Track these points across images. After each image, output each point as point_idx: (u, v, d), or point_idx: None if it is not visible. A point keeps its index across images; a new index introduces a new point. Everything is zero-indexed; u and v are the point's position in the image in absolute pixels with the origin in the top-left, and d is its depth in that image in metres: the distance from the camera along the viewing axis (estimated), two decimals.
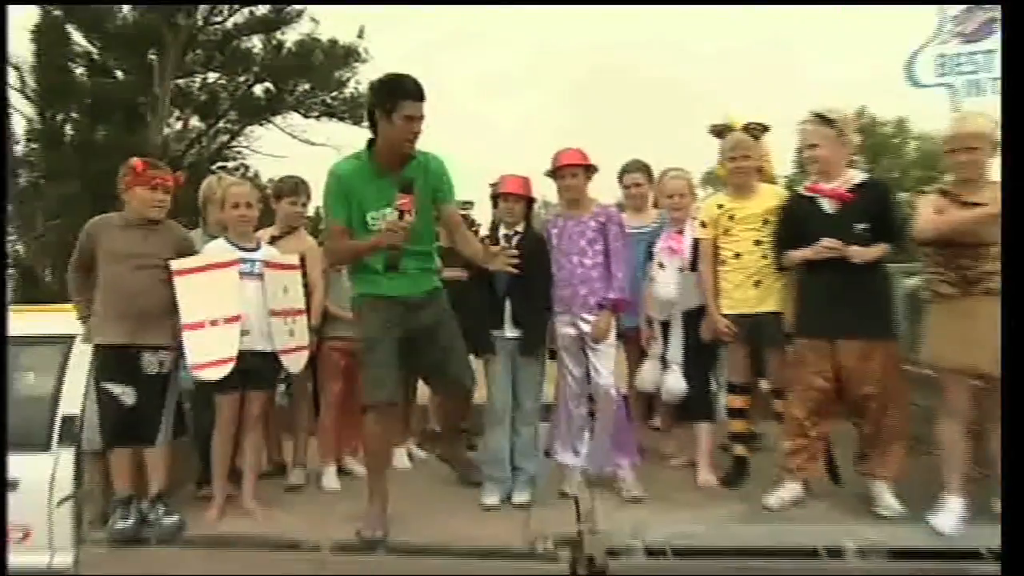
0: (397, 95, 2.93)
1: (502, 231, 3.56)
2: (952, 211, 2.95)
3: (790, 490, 3.22)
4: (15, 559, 3.08)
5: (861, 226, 3.12)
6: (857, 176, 3.21)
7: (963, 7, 4.68)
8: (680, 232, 3.65)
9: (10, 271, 18.11)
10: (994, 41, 4.68)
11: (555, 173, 3.53)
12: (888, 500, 3.06)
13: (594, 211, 3.51)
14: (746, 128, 3.56)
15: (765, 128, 3.61)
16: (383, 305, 3.12)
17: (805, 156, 3.29)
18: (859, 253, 3.05)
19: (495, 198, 3.63)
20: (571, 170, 3.48)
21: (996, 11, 4.74)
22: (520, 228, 3.53)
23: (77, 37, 17.95)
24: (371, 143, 3.09)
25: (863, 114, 23.82)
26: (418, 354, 3.21)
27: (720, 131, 3.59)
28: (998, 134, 2.96)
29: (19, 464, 3.11)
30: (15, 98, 17.50)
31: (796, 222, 3.26)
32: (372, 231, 3.04)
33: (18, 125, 17.78)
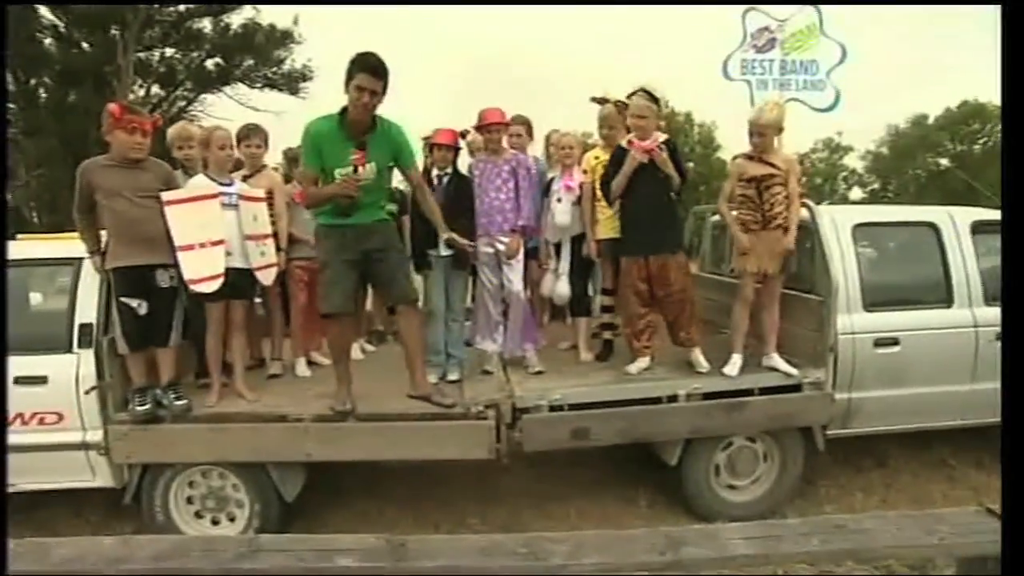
0: (355, 68, 2.64)
1: (435, 172, 3.34)
2: (748, 166, 3.17)
3: (642, 362, 3.30)
4: (54, 437, 2.90)
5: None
6: (661, 137, 3.22)
7: (758, 26, 4.81)
8: (572, 176, 3.54)
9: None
10: (774, 53, 4.93)
11: (481, 128, 3.32)
12: (701, 361, 3.23)
13: (507, 157, 3.36)
14: (614, 103, 3.46)
15: (627, 105, 3.50)
16: (337, 232, 2.86)
17: (631, 123, 3.22)
18: (660, 158, 3.11)
19: (430, 147, 3.38)
20: (496, 126, 3.29)
21: (777, 32, 4.95)
22: (449, 171, 3.34)
23: (45, 12, 15.35)
24: (344, 110, 2.76)
25: (666, 105, 24.95)
26: (373, 271, 2.96)
27: (599, 100, 3.47)
28: (784, 120, 3.20)
29: (47, 363, 2.91)
30: None
31: (618, 165, 3.23)
32: (334, 183, 2.78)
33: None
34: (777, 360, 3.18)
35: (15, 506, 3.13)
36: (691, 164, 22.12)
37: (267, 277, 3.24)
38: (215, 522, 3.01)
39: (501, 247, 3.32)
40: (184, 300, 2.98)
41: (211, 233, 2.89)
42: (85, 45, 15.69)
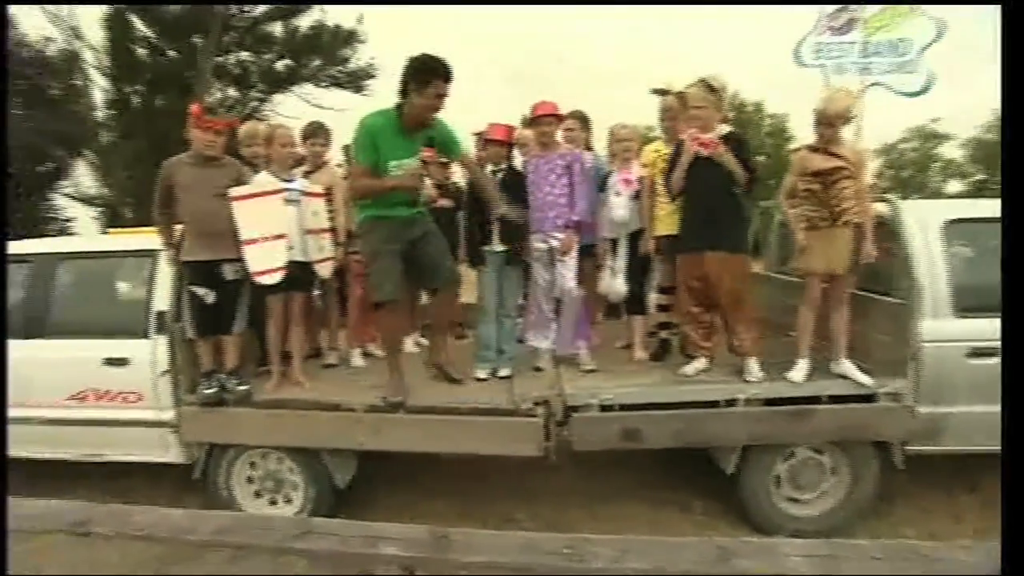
0: (433, 74, 2.72)
1: (488, 168, 3.34)
2: (814, 159, 2.95)
3: (699, 362, 3.17)
4: (134, 414, 3.15)
5: None
6: (725, 129, 3.05)
7: (835, 7, 4.49)
8: (630, 170, 3.45)
9: (98, 210, 17.29)
10: (855, 35, 4.57)
11: (532, 121, 3.29)
12: (754, 370, 3.02)
13: (561, 152, 3.30)
14: (675, 94, 3.32)
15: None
16: (383, 224, 2.93)
17: (691, 114, 3.07)
18: (717, 152, 2.93)
19: (485, 142, 3.38)
20: (546, 119, 3.24)
21: (859, 12, 4.58)
22: (503, 166, 3.33)
23: (139, 24, 16.62)
24: (399, 106, 2.82)
25: (735, 97, 23.77)
26: (418, 257, 3.03)
27: (660, 92, 3.35)
28: (853, 109, 2.97)
29: (128, 347, 3.16)
30: (94, 75, 16.46)
31: (680, 158, 3.08)
32: (392, 175, 2.84)
33: (97, 96, 16.69)
34: (847, 366, 2.96)
35: (103, 473, 3.43)
36: (761, 157, 21.09)
37: (325, 270, 3.34)
38: (273, 502, 3.14)
39: (555, 243, 3.27)
40: (247, 291, 3.11)
41: (273, 227, 3.01)
42: (172, 53, 16.82)
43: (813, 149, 2.98)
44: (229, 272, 3.00)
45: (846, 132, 3.01)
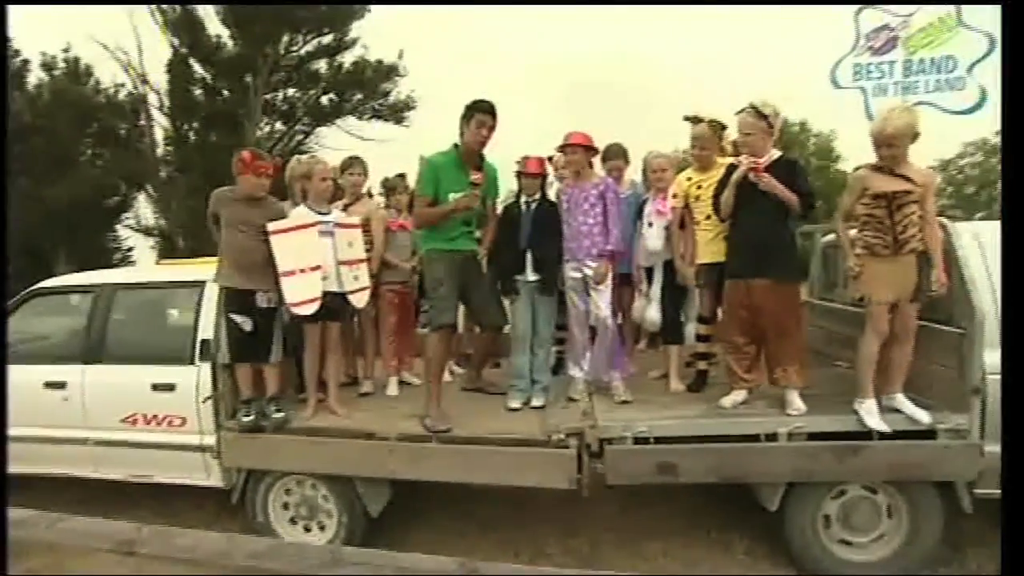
0: (475, 109, 3.07)
1: (523, 199, 3.39)
2: (876, 179, 2.76)
3: (738, 394, 3.07)
4: (180, 438, 3.27)
5: None
6: (776, 154, 2.97)
7: (875, 25, 4.38)
8: (665, 199, 3.43)
9: (156, 239, 18.33)
10: (896, 54, 4.44)
11: (563, 149, 3.34)
12: (796, 402, 2.89)
13: (595, 181, 3.31)
14: (708, 123, 3.31)
15: (723, 126, 3.35)
16: (447, 256, 3.16)
17: (739, 140, 3.03)
18: (768, 181, 2.85)
19: (519, 175, 3.45)
20: (572, 148, 3.28)
21: (900, 30, 4.46)
22: (537, 196, 3.38)
23: (197, 67, 17.84)
24: (456, 145, 3.16)
25: (786, 122, 23.39)
26: (469, 296, 3.24)
27: (692, 120, 3.33)
28: (917, 126, 2.74)
29: (174, 373, 3.28)
30: (156, 115, 17.73)
31: (727, 182, 3.03)
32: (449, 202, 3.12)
33: (159, 134, 17.95)
34: (902, 401, 2.77)
35: (148, 493, 3.55)
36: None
37: (360, 300, 3.40)
38: (307, 529, 3.17)
39: (589, 272, 3.25)
40: (285, 320, 3.21)
41: (310, 259, 3.11)
42: (226, 92, 17.88)
43: (876, 168, 2.78)
44: (263, 300, 3.10)
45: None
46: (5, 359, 3.17)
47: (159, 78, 17.42)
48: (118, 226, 19.41)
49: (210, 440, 3.20)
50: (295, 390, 3.49)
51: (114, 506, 3.50)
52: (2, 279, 3.11)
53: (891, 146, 2.70)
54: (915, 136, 2.74)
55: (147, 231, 18.78)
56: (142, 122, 17.64)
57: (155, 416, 3.29)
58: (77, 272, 3.90)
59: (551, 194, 3.50)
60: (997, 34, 4.18)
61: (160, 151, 17.96)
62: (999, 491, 2.72)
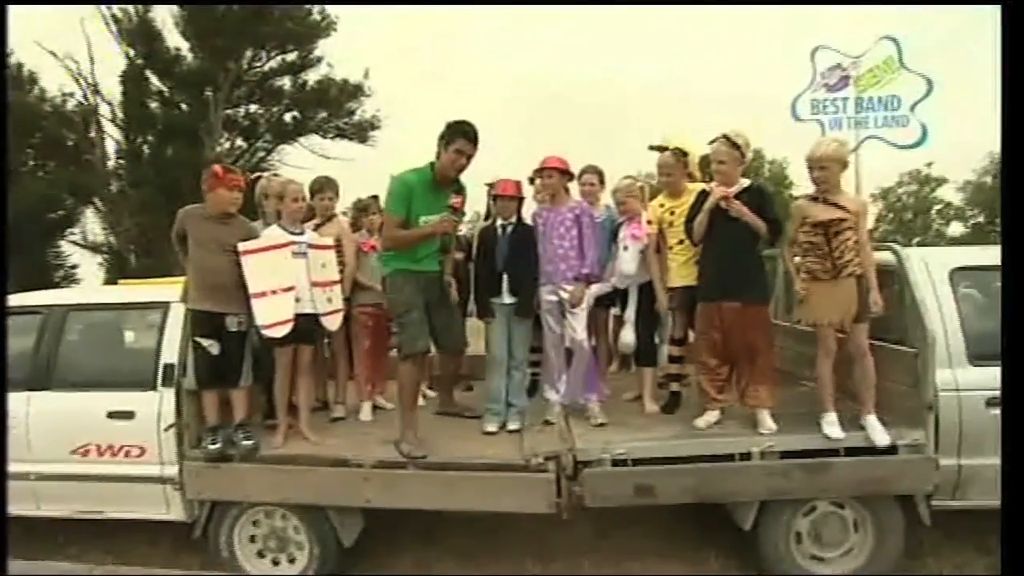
0: (455, 134, 2.99)
1: (499, 222, 3.40)
2: (813, 209, 2.96)
3: (711, 415, 3.13)
4: (138, 470, 3.08)
5: None
6: (746, 182, 3.12)
7: (829, 64, 4.69)
8: (639, 223, 3.50)
9: (104, 256, 17.49)
10: (848, 91, 4.77)
11: (539, 173, 3.38)
12: (767, 422, 2.99)
13: (571, 204, 3.36)
14: (671, 151, 3.43)
15: (684, 153, 3.45)
16: (414, 278, 3.09)
17: (713, 168, 3.15)
18: (738, 208, 2.97)
19: (494, 197, 3.45)
20: (549, 172, 3.33)
21: (851, 70, 4.80)
22: (513, 220, 3.38)
23: (153, 79, 17.34)
24: (432, 164, 3.07)
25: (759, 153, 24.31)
26: (433, 317, 3.15)
27: (658, 149, 3.45)
28: (846, 155, 3.02)
29: (133, 399, 3.11)
30: (108, 127, 17.08)
31: (700, 207, 3.14)
32: (422, 226, 3.04)
33: (110, 147, 17.28)
34: (871, 423, 2.87)
35: (99, 531, 3.34)
36: None
37: (333, 323, 3.34)
38: (275, 562, 3.05)
39: (565, 295, 3.28)
40: (255, 344, 3.12)
41: (282, 280, 3.04)
42: (184, 106, 17.40)
43: (812, 199, 2.99)
44: (232, 323, 3.01)
45: (843, 181, 3.03)
46: (5, 359, 2.96)
47: (112, 89, 16.84)
48: (62, 241, 18.43)
49: (171, 471, 3.04)
50: (263, 416, 3.38)
51: (56, 547, 3.30)
52: (2, 280, 2.92)
53: (822, 168, 2.92)
54: (844, 165, 3.02)
55: (95, 247, 17.91)
56: (92, 134, 16.94)
57: (110, 446, 3.10)
58: (18, 291, 3.65)
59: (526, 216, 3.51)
60: (935, 76, 4.59)
61: (111, 164, 17.26)
62: (954, 502, 2.90)
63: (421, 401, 3.85)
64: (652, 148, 3.52)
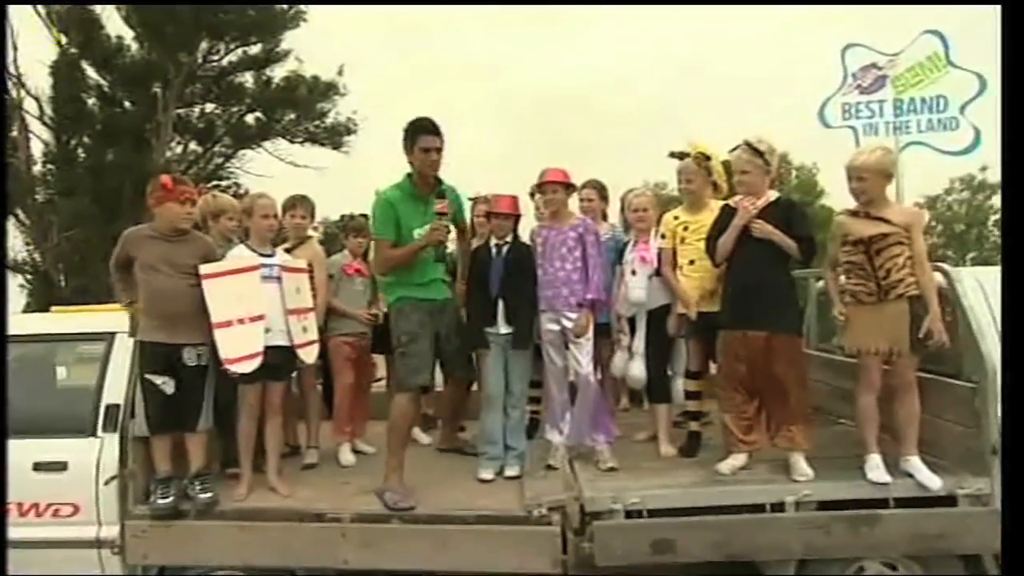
0: (415, 132, 3.12)
1: (493, 242, 3.48)
2: (853, 225, 3.03)
3: (737, 458, 3.18)
4: (66, 532, 3.02)
5: None
6: (773, 195, 3.20)
7: (862, 64, 4.83)
8: (647, 243, 3.60)
9: (28, 276, 17.31)
10: (885, 92, 4.91)
11: (540, 188, 3.46)
12: (802, 468, 3.02)
13: (573, 222, 3.45)
14: (695, 155, 3.53)
15: (707, 157, 3.54)
16: (421, 307, 3.21)
17: (736, 180, 3.25)
18: (762, 228, 3.05)
19: (487, 215, 3.55)
20: (552, 187, 3.42)
21: (888, 69, 4.94)
22: (509, 239, 3.46)
23: (91, 72, 17.33)
24: (409, 175, 3.23)
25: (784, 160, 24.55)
26: (442, 348, 3.28)
27: (678, 155, 3.55)
28: (889, 165, 3.06)
29: (68, 448, 3.07)
30: (34, 125, 16.91)
31: (723, 227, 3.22)
32: (416, 240, 3.17)
33: (36, 148, 17.07)
34: (915, 464, 2.92)
35: None
36: None
37: (309, 355, 3.39)
38: None
39: (568, 324, 3.35)
40: (213, 381, 3.13)
41: (251, 308, 3.09)
42: (127, 104, 17.47)
43: (852, 213, 3.06)
44: (190, 357, 3.02)
45: (889, 191, 3.09)
46: (5, 360, 2.97)
47: (41, 82, 16.71)
48: None
49: (110, 532, 2.99)
50: (221, 465, 3.39)
51: None
52: (3, 282, 2.92)
53: (860, 179, 2.99)
54: (889, 176, 3.07)
55: (15, 267, 17.76)
56: (15, 133, 16.92)
57: (35, 505, 3.03)
58: None
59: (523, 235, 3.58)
60: (987, 73, 4.71)
61: (38, 169, 17.08)
62: None
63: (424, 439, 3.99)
64: (673, 155, 3.61)
